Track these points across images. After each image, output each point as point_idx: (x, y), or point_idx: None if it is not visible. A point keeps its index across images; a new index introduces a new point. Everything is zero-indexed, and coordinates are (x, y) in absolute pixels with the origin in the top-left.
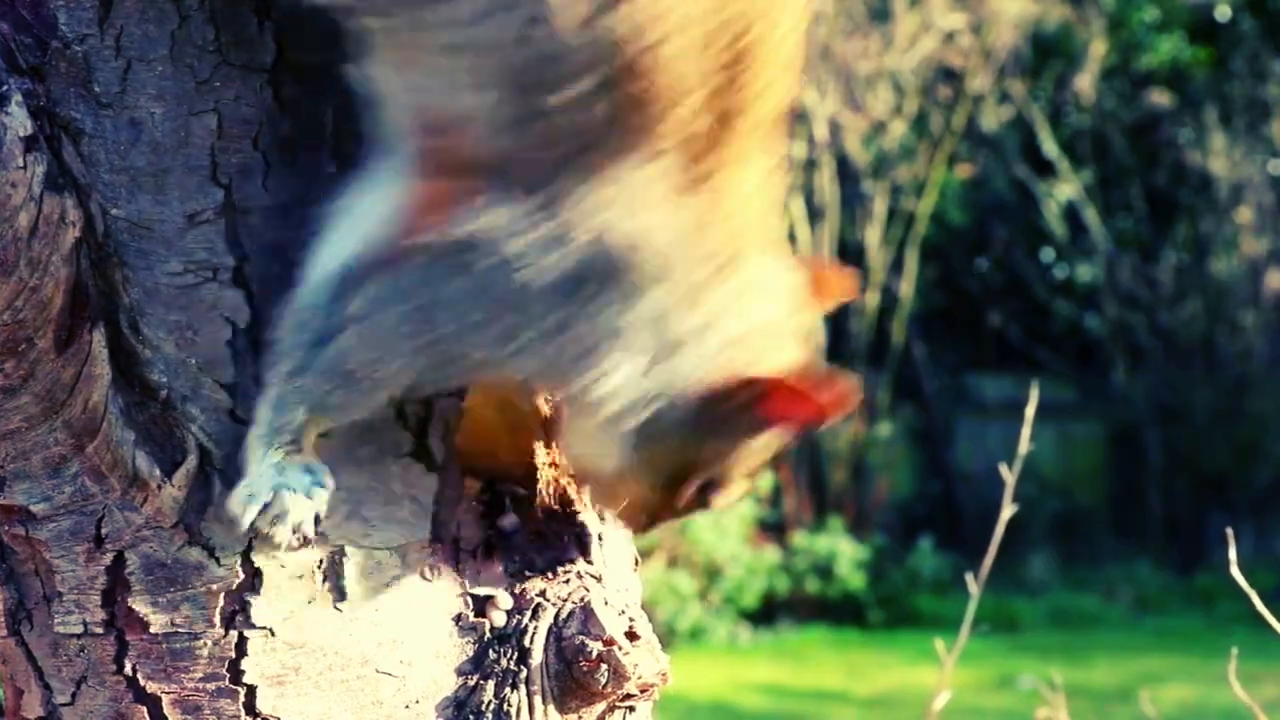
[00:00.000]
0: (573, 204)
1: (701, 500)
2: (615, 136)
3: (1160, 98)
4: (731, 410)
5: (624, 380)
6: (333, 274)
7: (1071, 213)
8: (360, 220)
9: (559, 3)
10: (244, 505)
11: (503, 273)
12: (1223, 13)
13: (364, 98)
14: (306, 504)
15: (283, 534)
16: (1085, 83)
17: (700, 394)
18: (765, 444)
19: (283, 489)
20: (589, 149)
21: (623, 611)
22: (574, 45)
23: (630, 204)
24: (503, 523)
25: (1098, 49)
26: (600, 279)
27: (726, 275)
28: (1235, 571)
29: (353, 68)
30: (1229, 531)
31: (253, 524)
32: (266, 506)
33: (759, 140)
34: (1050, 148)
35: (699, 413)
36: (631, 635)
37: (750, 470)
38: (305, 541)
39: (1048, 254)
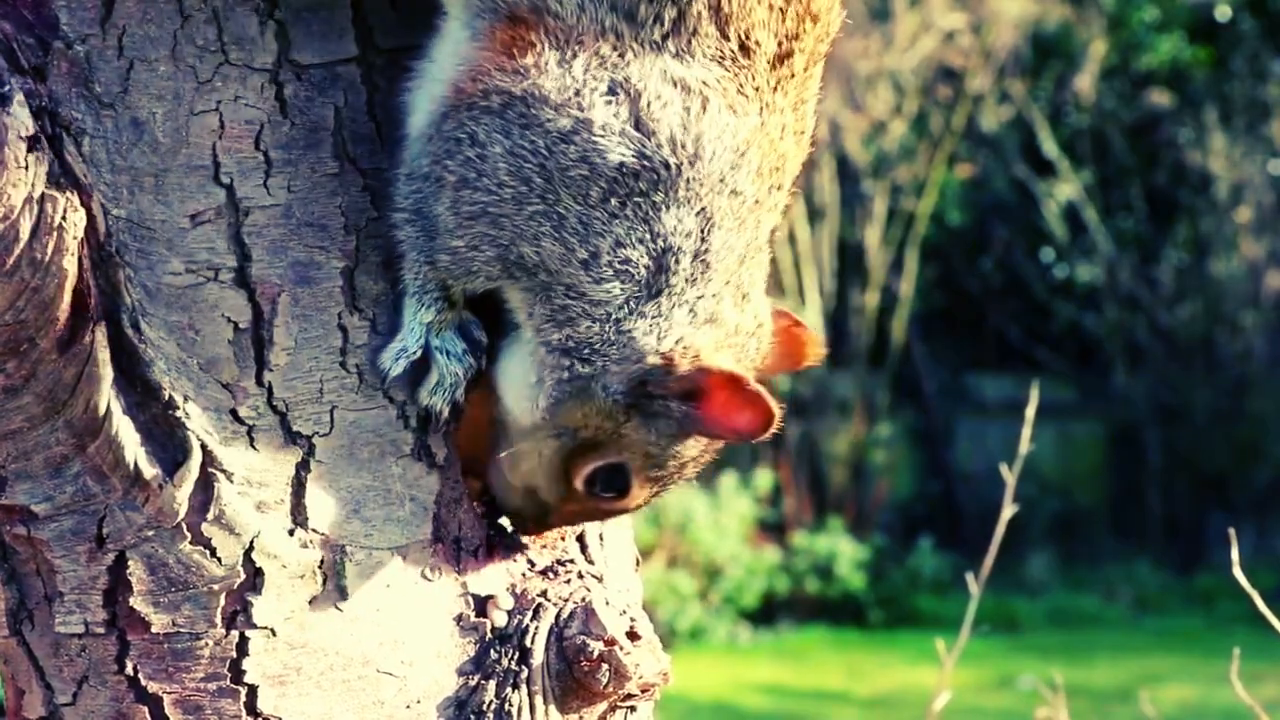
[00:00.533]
0: (636, 94)
1: (598, 491)
2: (694, 32)
3: (1160, 98)
4: (668, 393)
5: (618, 299)
6: (420, 132)
7: (1071, 213)
8: (436, 79)
9: None
10: (393, 360)
11: (548, 146)
12: (1223, 13)
13: None
14: (457, 368)
15: (439, 403)
16: (1085, 83)
17: (646, 365)
18: (681, 452)
19: (438, 356)
20: (666, 39)
21: (624, 611)
22: None
23: (698, 107)
24: (500, 531)
25: (1098, 49)
26: (646, 177)
27: (756, 226)
28: (1237, 571)
29: None
30: (1231, 531)
31: (397, 377)
32: (414, 364)
33: (810, 75)
34: (1050, 148)
35: (635, 384)
36: (633, 635)
37: (660, 476)
38: (456, 409)
39: (1048, 254)
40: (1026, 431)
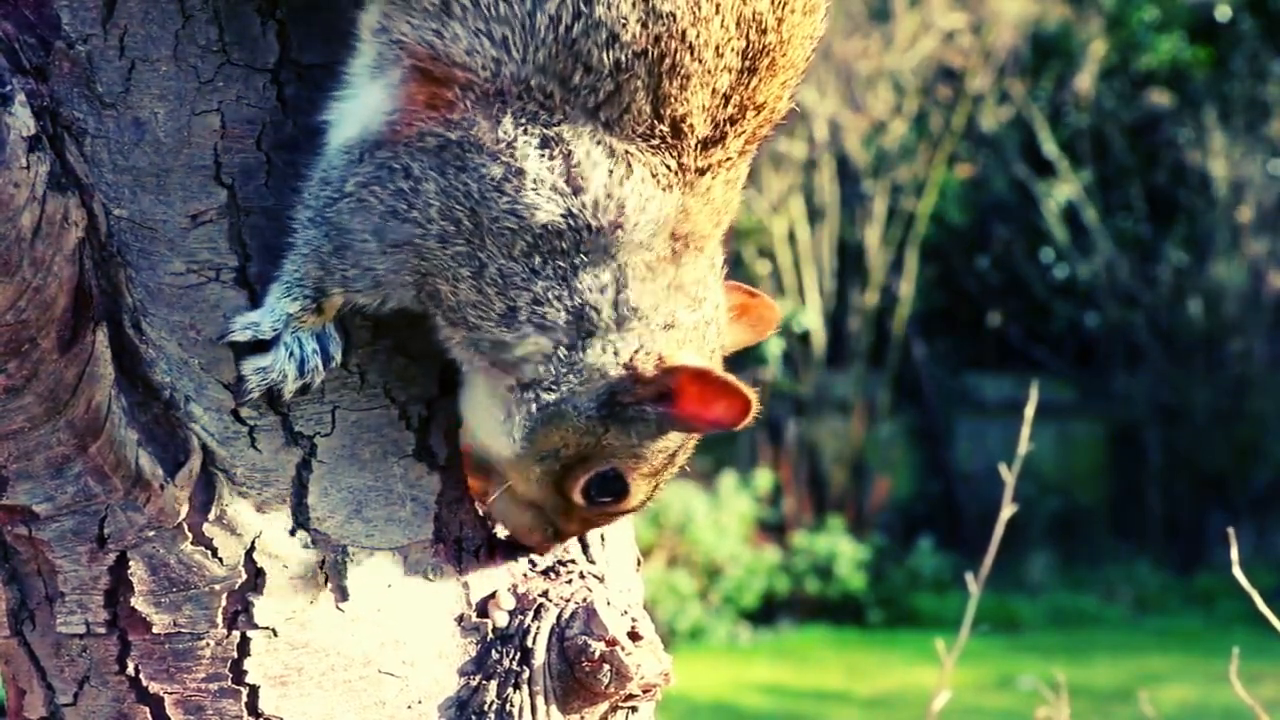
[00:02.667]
0: (568, 153)
1: (596, 499)
2: (626, 108)
3: (1160, 98)
4: (639, 400)
5: (546, 348)
6: (344, 145)
7: (1071, 213)
8: (366, 107)
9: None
10: (241, 329)
11: (480, 191)
12: (1223, 13)
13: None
14: (294, 371)
15: (254, 383)
16: (1085, 83)
17: (612, 378)
18: (667, 446)
19: (281, 345)
20: (599, 109)
21: (625, 612)
22: (626, 16)
23: (623, 173)
24: (501, 531)
25: (1098, 49)
26: (569, 238)
27: (677, 268)
28: (1237, 571)
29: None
30: (1230, 531)
31: (234, 344)
32: (262, 349)
33: (746, 152)
34: (1050, 148)
35: (605, 399)
36: (634, 635)
37: (653, 471)
38: (272, 402)
39: (1048, 254)
40: (1026, 431)
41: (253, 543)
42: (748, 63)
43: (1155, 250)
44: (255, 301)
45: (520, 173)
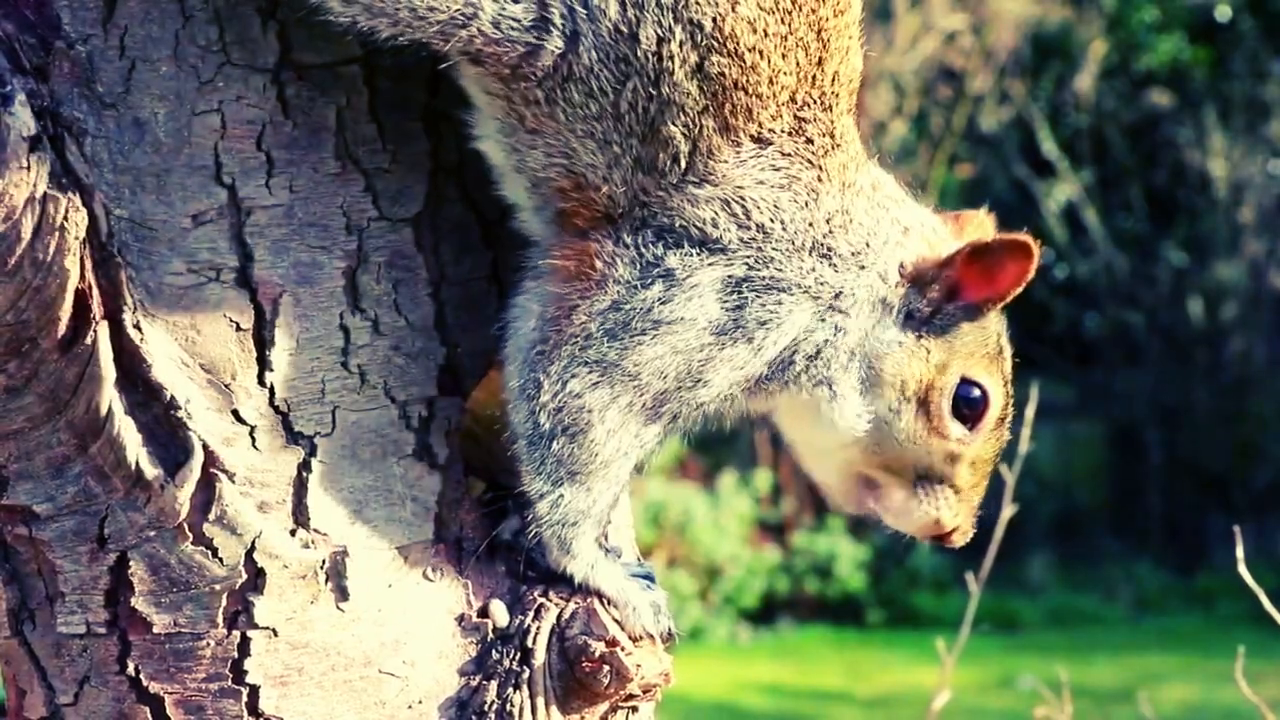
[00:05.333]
0: (699, 215)
1: (967, 417)
2: (715, 123)
3: (1160, 98)
4: (934, 305)
5: (822, 338)
6: (523, 359)
7: (1071, 213)
8: (530, 308)
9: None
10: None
11: (660, 302)
12: (1223, 13)
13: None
14: (650, 599)
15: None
16: (1085, 83)
17: (899, 295)
18: (986, 331)
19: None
20: (696, 145)
21: None
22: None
23: (796, 192)
24: (502, 532)
25: (1098, 49)
26: (737, 268)
27: (863, 188)
28: (1243, 570)
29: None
30: (1236, 530)
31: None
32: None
33: (844, 123)
34: (1050, 148)
35: (908, 315)
36: (634, 636)
37: (991, 358)
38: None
39: (1048, 254)
40: (1026, 431)
41: (253, 543)
42: (821, 43)
43: (1155, 250)
44: (257, 305)
45: (669, 276)
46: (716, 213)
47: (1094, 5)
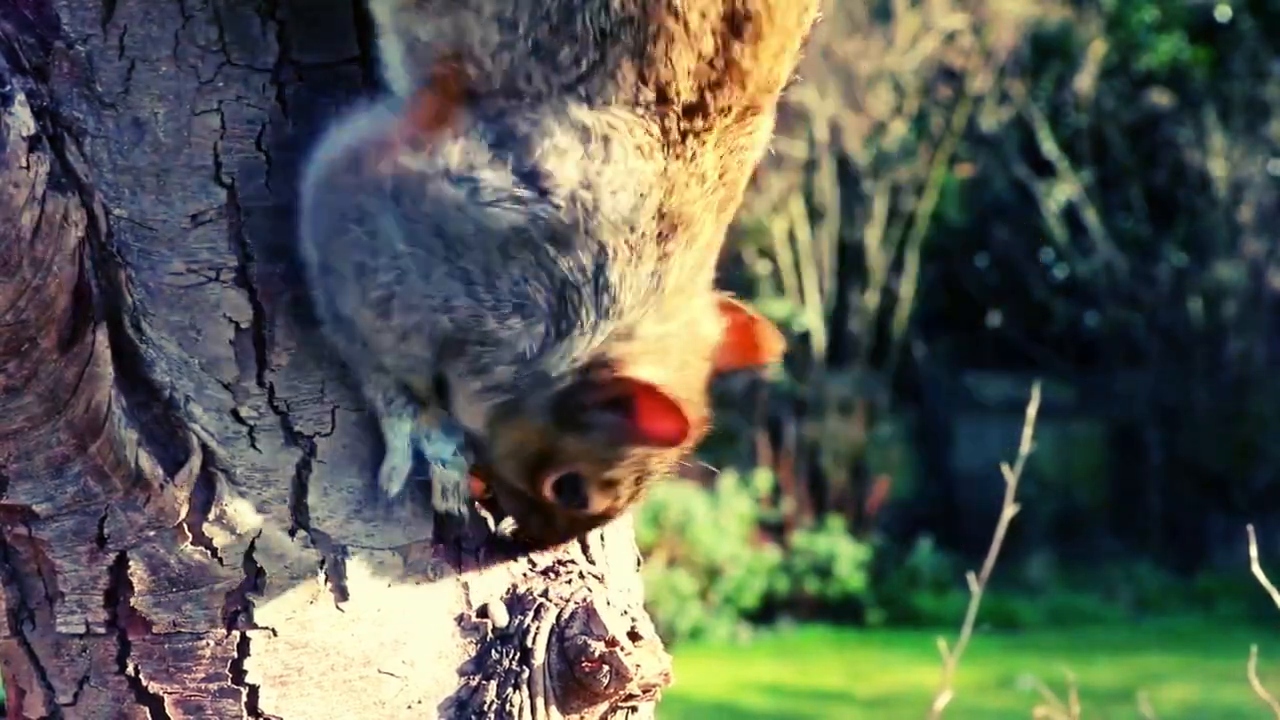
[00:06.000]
0: (534, 139)
1: (570, 500)
2: (610, 76)
3: (1160, 98)
4: (593, 407)
5: (509, 351)
6: (309, 202)
7: (1071, 213)
8: (356, 125)
9: None
10: (388, 480)
11: (457, 209)
12: (1223, 13)
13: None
14: (454, 473)
15: (452, 504)
16: (1085, 83)
17: (567, 382)
18: (628, 457)
19: (430, 460)
20: (579, 83)
21: (625, 612)
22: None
23: (601, 153)
24: (501, 530)
25: (1098, 49)
26: (535, 232)
27: (661, 258)
28: (1256, 570)
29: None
30: (1249, 529)
31: (399, 493)
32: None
33: (741, 126)
34: (1050, 148)
35: (560, 402)
36: (634, 636)
37: (613, 480)
38: (471, 503)
39: (1048, 254)
40: (1028, 431)
41: (252, 542)
42: (732, 26)
43: (1155, 250)
44: (256, 304)
45: (475, 190)
46: (569, 145)
47: (1094, 5)
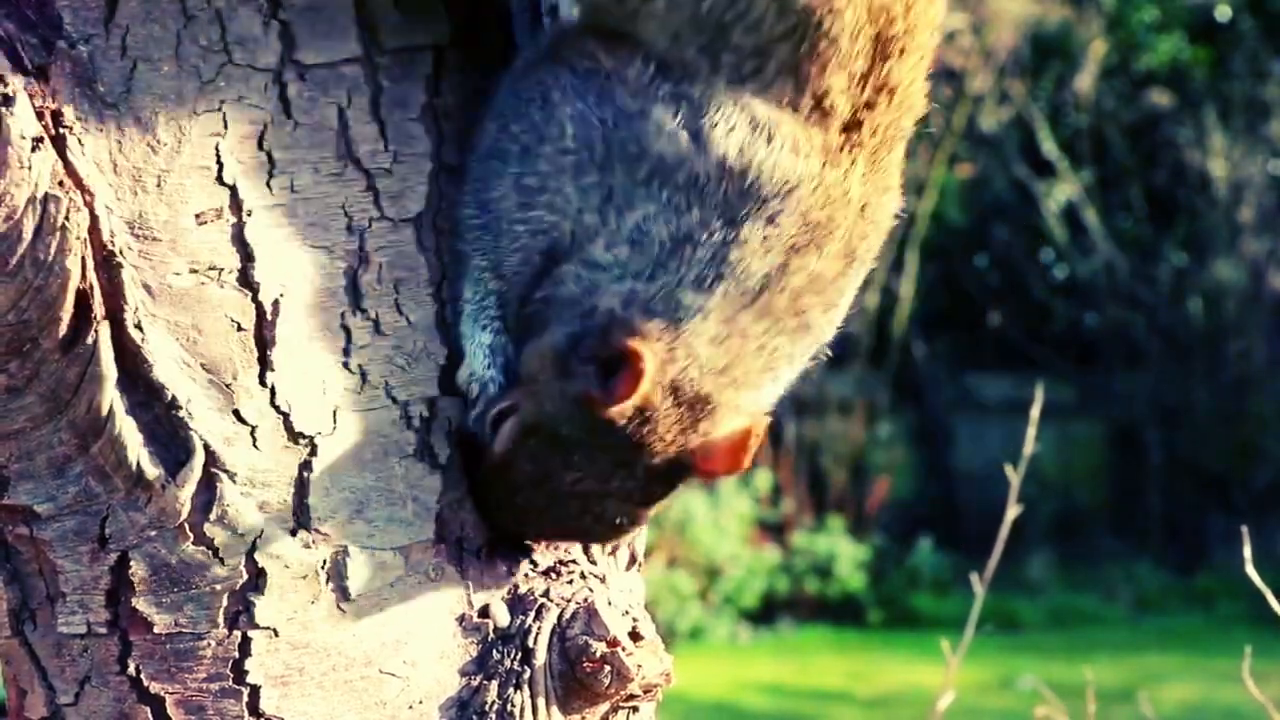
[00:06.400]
0: (716, 113)
1: (491, 429)
2: (772, 81)
3: (1160, 98)
4: (588, 358)
5: (595, 280)
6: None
7: (1071, 213)
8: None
9: None
10: (466, 385)
11: (629, 121)
12: (1223, 13)
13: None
14: (495, 400)
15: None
16: (1085, 83)
17: (594, 322)
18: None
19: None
20: (746, 80)
21: (626, 612)
22: (770, 20)
23: (763, 139)
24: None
25: (1098, 49)
26: (681, 174)
27: (788, 271)
28: (1251, 570)
29: None
30: (1243, 530)
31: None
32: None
33: (886, 148)
34: (1050, 148)
35: (574, 338)
36: (635, 636)
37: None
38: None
39: (1048, 254)
40: (1032, 432)
41: (254, 543)
42: (880, 48)
43: (1155, 250)
44: (258, 305)
45: (646, 113)
46: (737, 122)
47: (1094, 5)
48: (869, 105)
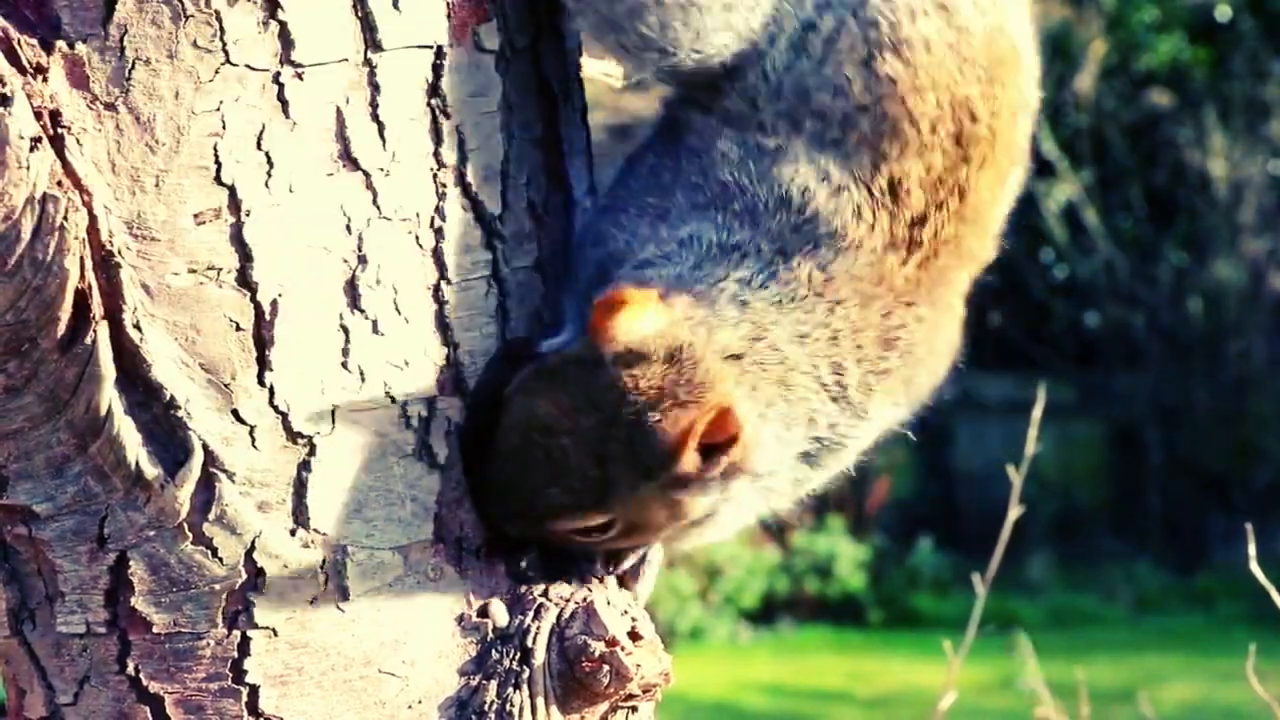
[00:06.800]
0: (789, 165)
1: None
2: (851, 154)
3: (1160, 98)
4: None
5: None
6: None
7: (1071, 213)
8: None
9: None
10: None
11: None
12: (1223, 13)
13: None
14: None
15: None
16: (1085, 83)
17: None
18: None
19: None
20: (828, 145)
21: (625, 612)
22: (851, 78)
23: (835, 193)
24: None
25: (1098, 49)
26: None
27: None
28: (1254, 568)
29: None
30: (1248, 528)
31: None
32: None
33: (939, 257)
34: (1050, 148)
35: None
36: (634, 635)
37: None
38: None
39: (1048, 254)
40: (1033, 432)
41: (253, 542)
42: (960, 149)
43: (1155, 250)
44: (256, 304)
45: (710, 151)
46: (807, 174)
47: (1094, 5)
48: (939, 205)
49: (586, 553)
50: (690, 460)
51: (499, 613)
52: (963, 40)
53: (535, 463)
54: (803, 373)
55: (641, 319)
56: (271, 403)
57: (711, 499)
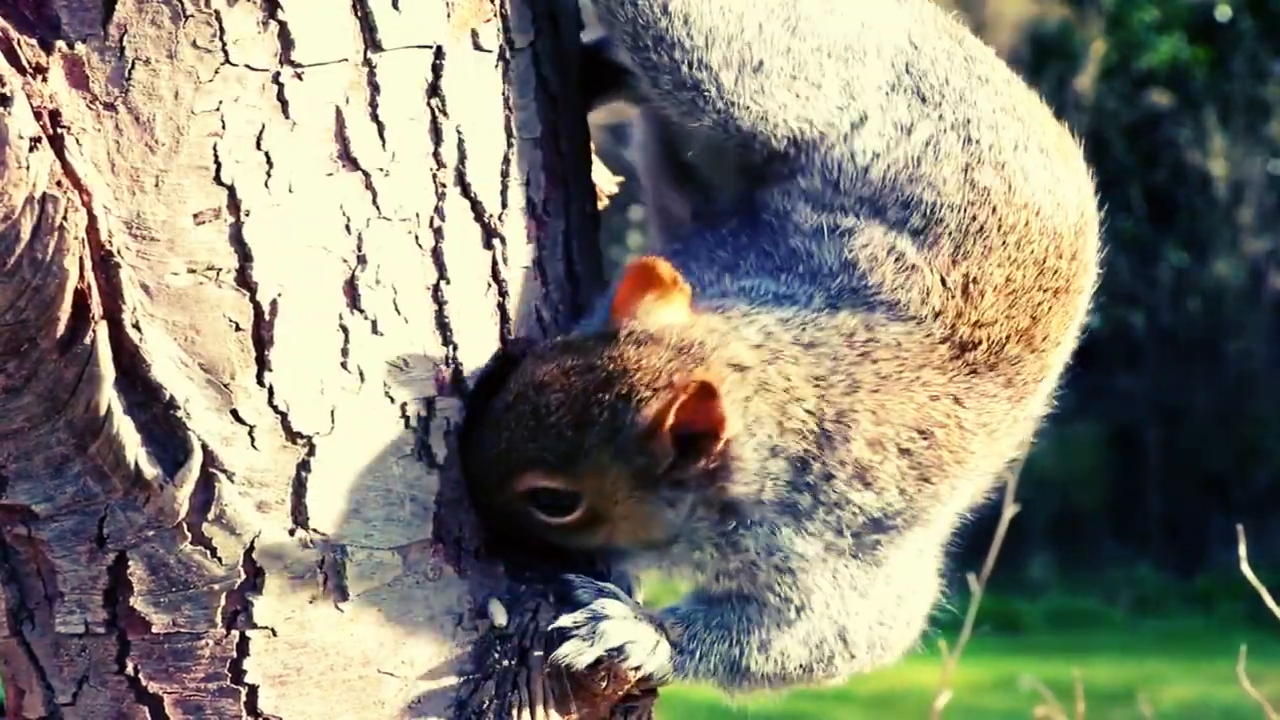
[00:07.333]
0: (864, 231)
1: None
2: (933, 242)
3: (1160, 98)
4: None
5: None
6: None
7: None
8: None
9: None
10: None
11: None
12: (1223, 13)
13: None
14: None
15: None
16: (1085, 83)
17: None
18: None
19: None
20: (910, 231)
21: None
22: (946, 178)
23: (900, 262)
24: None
25: (1098, 49)
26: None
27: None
28: (1245, 569)
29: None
30: (1239, 529)
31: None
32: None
33: (988, 376)
34: None
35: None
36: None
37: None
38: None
39: None
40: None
41: (252, 542)
42: (1041, 276)
43: (1155, 250)
44: (256, 304)
45: (786, 221)
46: (877, 255)
47: (1094, 5)
48: (1009, 317)
49: (585, 555)
50: (664, 445)
51: (498, 613)
52: (1059, 187)
53: (521, 417)
54: (806, 410)
55: (665, 308)
56: (271, 403)
57: (680, 515)
